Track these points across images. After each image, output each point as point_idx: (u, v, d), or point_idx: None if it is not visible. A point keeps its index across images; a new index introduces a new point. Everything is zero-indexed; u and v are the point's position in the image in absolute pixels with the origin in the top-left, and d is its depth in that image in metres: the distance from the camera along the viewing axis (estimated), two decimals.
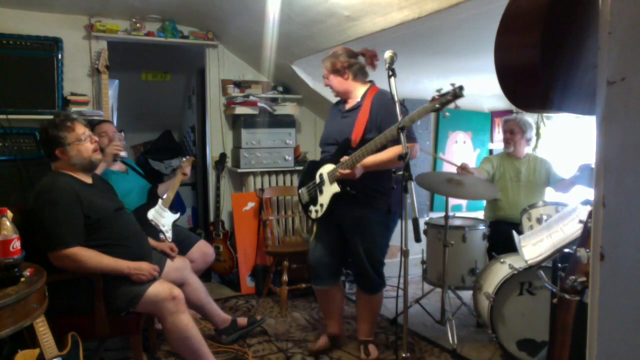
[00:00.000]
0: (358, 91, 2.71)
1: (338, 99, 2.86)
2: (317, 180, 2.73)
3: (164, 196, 3.25)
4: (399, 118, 2.18)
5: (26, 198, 2.62)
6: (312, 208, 2.78)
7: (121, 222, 2.44)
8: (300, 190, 2.88)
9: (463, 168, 3.35)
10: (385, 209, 2.64)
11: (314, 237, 2.92)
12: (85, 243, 2.24)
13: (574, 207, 2.23)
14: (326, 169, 2.67)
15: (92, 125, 3.23)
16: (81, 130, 2.36)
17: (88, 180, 2.43)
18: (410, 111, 2.26)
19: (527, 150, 3.70)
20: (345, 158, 2.52)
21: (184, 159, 3.52)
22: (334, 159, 2.61)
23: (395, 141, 2.39)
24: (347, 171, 2.49)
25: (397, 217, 2.70)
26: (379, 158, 2.49)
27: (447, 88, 2.10)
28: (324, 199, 2.68)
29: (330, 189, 2.63)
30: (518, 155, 3.64)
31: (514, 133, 3.60)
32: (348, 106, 2.74)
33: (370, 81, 2.75)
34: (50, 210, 2.21)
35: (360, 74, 2.70)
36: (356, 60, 2.69)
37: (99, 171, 2.73)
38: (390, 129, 2.35)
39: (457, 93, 2.07)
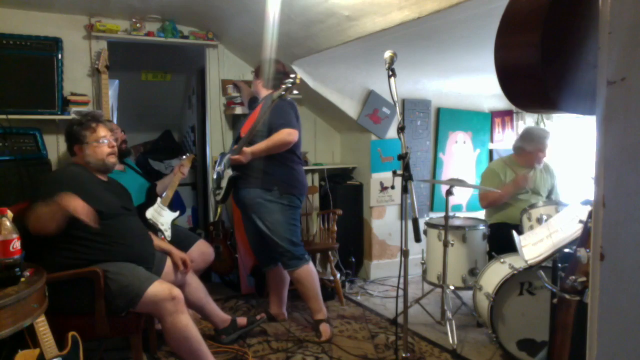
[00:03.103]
0: (261, 93, 3.23)
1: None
2: (222, 168, 3.16)
3: (163, 195, 3.25)
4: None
5: (26, 198, 2.62)
6: (217, 192, 3.21)
7: (126, 221, 2.47)
8: (212, 178, 3.35)
9: (522, 179, 3.43)
10: (272, 188, 3.02)
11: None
12: (86, 234, 2.26)
13: (574, 207, 2.23)
14: (227, 158, 3.12)
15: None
16: (102, 133, 2.48)
17: (103, 178, 2.54)
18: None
19: None
20: (235, 147, 3.03)
21: (184, 157, 3.51)
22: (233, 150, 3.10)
23: (271, 131, 2.94)
24: (236, 156, 2.95)
25: (289, 195, 3.06)
26: (262, 145, 2.95)
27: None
28: (224, 182, 3.13)
29: (227, 174, 3.10)
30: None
31: (544, 151, 3.53)
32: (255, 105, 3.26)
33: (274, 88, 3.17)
34: (48, 185, 2.30)
35: (269, 84, 3.18)
36: (280, 78, 3.11)
37: None
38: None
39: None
